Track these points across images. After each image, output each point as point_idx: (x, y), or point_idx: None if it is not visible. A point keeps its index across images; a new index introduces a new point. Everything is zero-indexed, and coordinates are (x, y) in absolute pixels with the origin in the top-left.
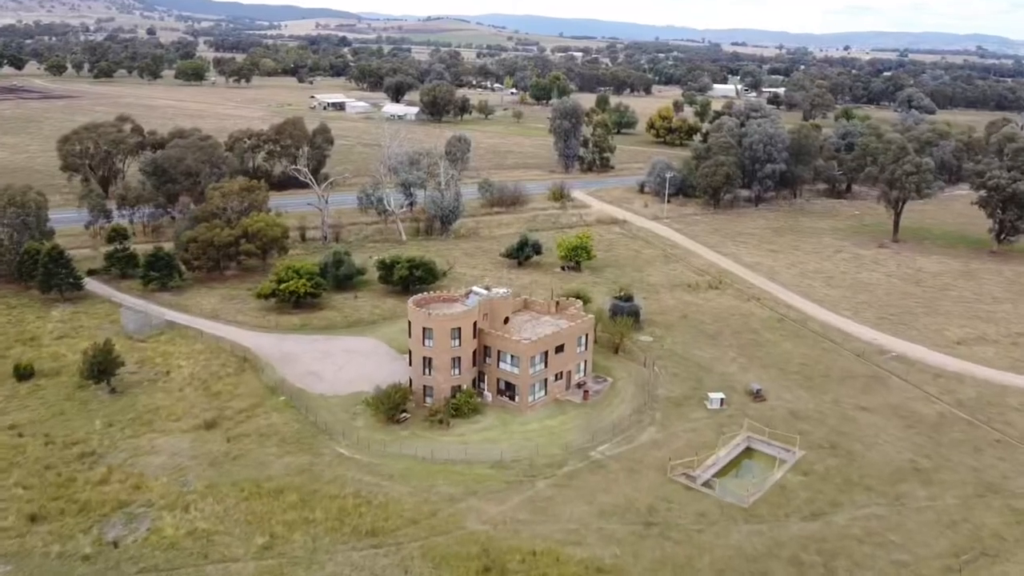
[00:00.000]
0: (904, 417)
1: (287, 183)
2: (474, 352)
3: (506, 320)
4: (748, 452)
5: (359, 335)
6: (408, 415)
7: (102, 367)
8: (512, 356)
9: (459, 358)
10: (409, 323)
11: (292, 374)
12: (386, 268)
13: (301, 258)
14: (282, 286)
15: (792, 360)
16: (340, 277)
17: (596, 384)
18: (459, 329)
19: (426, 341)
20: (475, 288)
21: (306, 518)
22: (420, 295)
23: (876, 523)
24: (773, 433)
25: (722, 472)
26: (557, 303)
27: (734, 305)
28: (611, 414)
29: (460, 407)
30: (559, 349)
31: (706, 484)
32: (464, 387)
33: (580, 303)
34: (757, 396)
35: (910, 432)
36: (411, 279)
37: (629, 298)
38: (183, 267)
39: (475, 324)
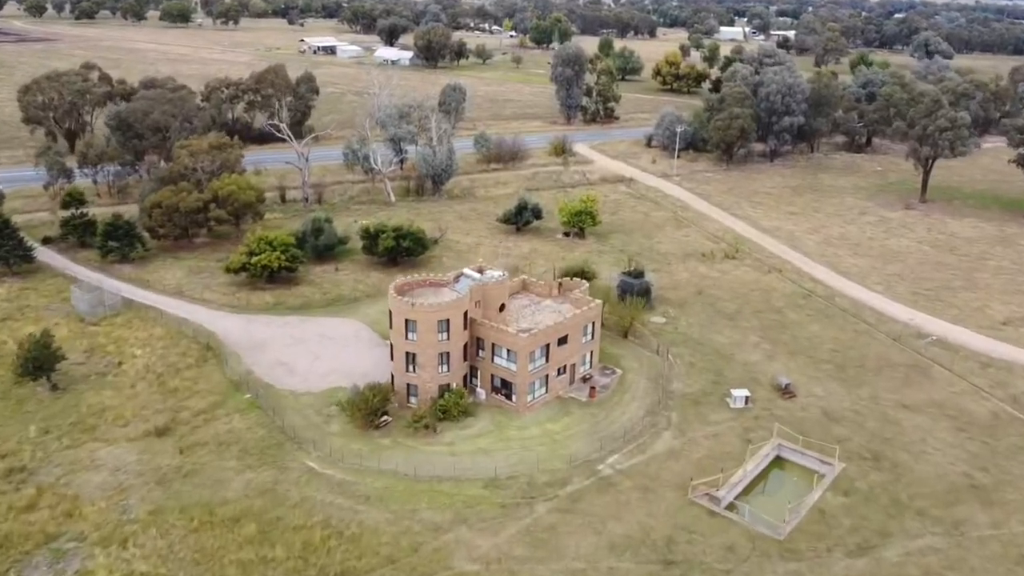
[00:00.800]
0: (953, 417)
1: (268, 136)
2: (465, 345)
3: (502, 307)
4: (778, 461)
5: (338, 316)
6: (389, 419)
7: (38, 363)
8: (508, 351)
9: (447, 353)
10: (390, 313)
11: (260, 365)
12: (370, 237)
13: (280, 222)
14: (253, 260)
15: (822, 345)
16: (320, 247)
17: (603, 377)
18: (447, 321)
19: (409, 334)
20: (466, 271)
21: (264, 557)
22: (402, 280)
23: (934, 559)
24: (807, 441)
25: (749, 487)
26: (559, 284)
27: (754, 278)
28: (621, 416)
29: (449, 409)
30: (562, 341)
31: (732, 506)
32: (454, 385)
33: (585, 285)
34: (785, 392)
35: (961, 437)
36: (398, 250)
37: (639, 274)
38: (147, 235)
39: (466, 314)
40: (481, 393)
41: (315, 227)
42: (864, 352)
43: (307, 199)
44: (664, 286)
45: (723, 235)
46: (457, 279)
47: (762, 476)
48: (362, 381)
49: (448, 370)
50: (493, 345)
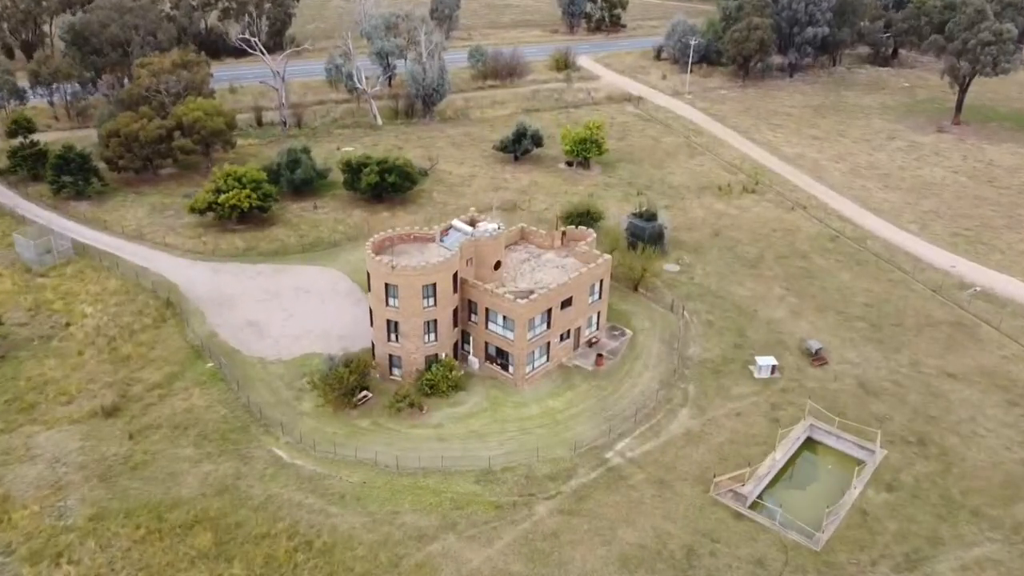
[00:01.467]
0: (1004, 388)
1: (246, 49)
2: (455, 310)
3: (497, 265)
4: (809, 444)
5: (316, 263)
6: (369, 395)
7: None
8: (505, 317)
9: (434, 321)
10: (368, 275)
11: (226, 326)
12: (352, 171)
13: (256, 149)
14: (221, 199)
15: (853, 299)
16: (296, 182)
17: (611, 340)
18: (433, 285)
19: (390, 300)
20: (456, 223)
21: None
22: (381, 235)
23: (993, 574)
24: (844, 423)
25: (778, 477)
26: (563, 234)
27: (776, 217)
28: (631, 388)
29: (437, 384)
30: (566, 304)
31: (758, 504)
32: (443, 356)
33: (592, 236)
34: (816, 358)
35: (1015, 413)
36: (382, 187)
37: (652, 216)
38: (105, 167)
39: (456, 275)
40: (474, 362)
41: (290, 159)
42: (901, 307)
43: (285, 122)
44: (678, 226)
45: (741, 164)
46: (446, 232)
47: (791, 462)
48: (340, 344)
49: (436, 339)
50: (487, 310)
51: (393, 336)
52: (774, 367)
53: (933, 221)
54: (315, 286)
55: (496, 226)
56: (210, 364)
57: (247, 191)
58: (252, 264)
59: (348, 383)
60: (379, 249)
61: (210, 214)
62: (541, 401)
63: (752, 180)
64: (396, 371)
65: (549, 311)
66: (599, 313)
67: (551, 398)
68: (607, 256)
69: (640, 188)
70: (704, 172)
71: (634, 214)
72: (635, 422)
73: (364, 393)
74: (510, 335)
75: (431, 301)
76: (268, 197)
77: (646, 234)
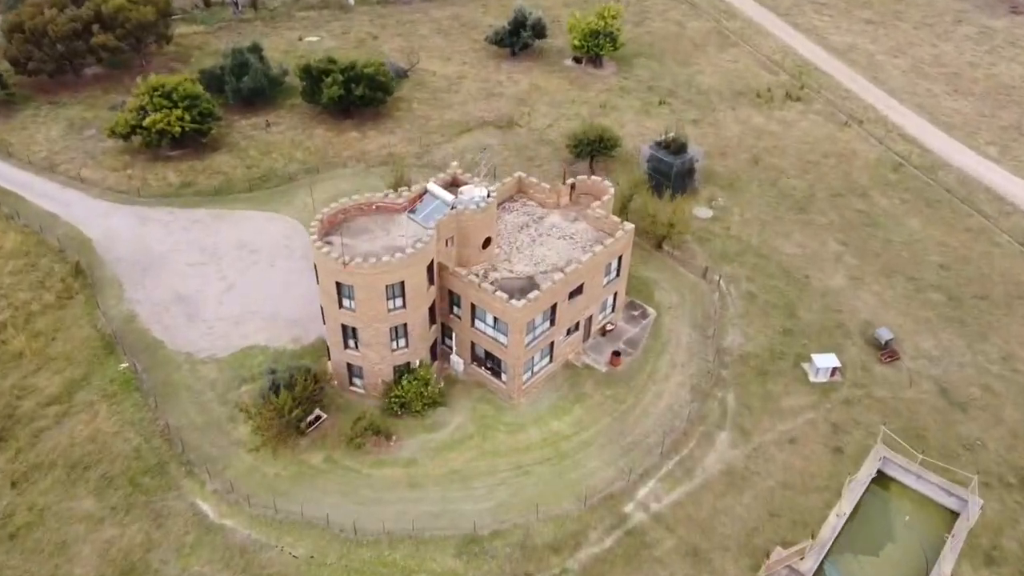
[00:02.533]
0: None
1: None
2: (432, 306)
3: (487, 243)
4: (880, 478)
5: (266, 206)
6: (323, 416)
7: None
8: (496, 318)
9: (404, 325)
10: (315, 266)
11: (148, 303)
12: (312, 79)
13: (201, 41)
14: (146, 121)
15: (926, 257)
16: (244, 92)
17: (630, 325)
18: (402, 284)
19: (344, 301)
20: (432, 186)
21: None
22: (334, 207)
23: None
24: (927, 460)
25: (844, 531)
26: (572, 187)
27: (827, 135)
28: (656, 400)
29: (409, 403)
30: (575, 293)
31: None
32: (417, 363)
33: (610, 192)
34: (886, 352)
35: None
36: (349, 100)
37: (680, 147)
38: (11, 69)
39: (431, 265)
40: (458, 363)
41: (236, 63)
42: (984, 269)
43: (237, 4)
44: (710, 150)
45: (782, 60)
46: (418, 200)
47: (859, 506)
48: (290, 334)
49: (407, 346)
50: (474, 305)
51: (352, 343)
52: (835, 369)
53: (1015, 141)
54: (263, 241)
55: (485, 192)
56: (124, 365)
57: (179, 111)
58: (187, 209)
59: (290, 417)
60: (330, 226)
61: (135, 139)
62: (542, 422)
63: (797, 82)
64: (358, 381)
65: (555, 305)
66: (616, 294)
67: (554, 416)
68: (629, 226)
69: (663, 96)
70: (739, 71)
71: (657, 144)
72: (661, 454)
73: (316, 413)
74: (503, 339)
75: (399, 302)
76: (207, 117)
77: (673, 172)
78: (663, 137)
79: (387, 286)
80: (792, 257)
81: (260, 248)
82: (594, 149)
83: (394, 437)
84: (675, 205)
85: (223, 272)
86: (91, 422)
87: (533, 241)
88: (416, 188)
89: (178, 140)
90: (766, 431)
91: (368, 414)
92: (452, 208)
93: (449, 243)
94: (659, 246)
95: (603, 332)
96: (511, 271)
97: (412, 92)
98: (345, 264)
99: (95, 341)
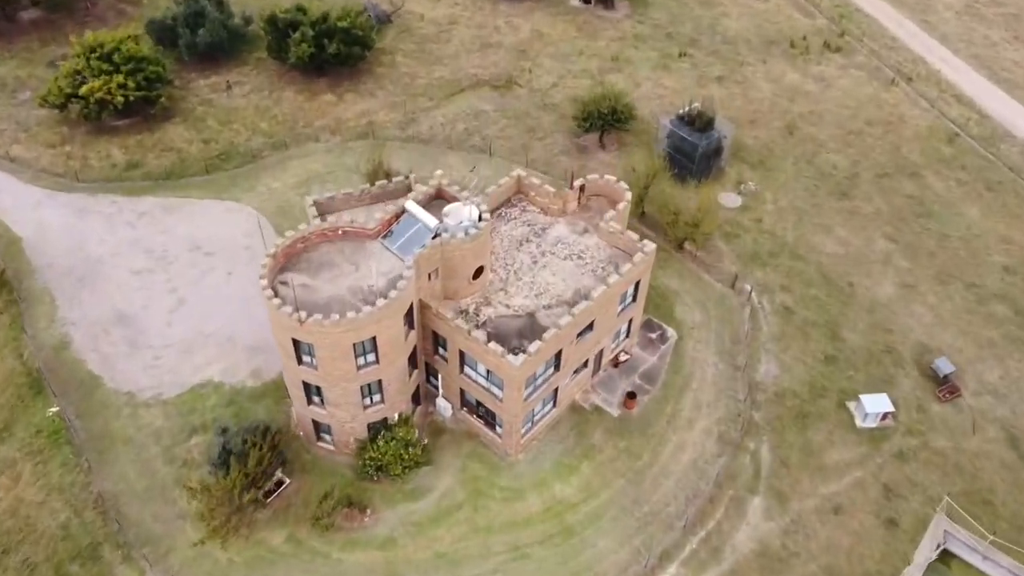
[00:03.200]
0: None
1: None
2: (412, 352)
3: (478, 272)
4: (944, 558)
5: (225, 194)
6: (286, 482)
7: None
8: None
9: (379, 382)
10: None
11: (85, 323)
12: (278, 33)
13: None
14: (83, 90)
15: (987, 258)
16: (200, 47)
17: (647, 352)
18: (373, 339)
19: (304, 357)
20: (411, 205)
21: None
22: (291, 237)
23: None
24: (997, 541)
25: None
26: (581, 189)
27: (870, 96)
28: (677, 453)
29: (387, 465)
30: (585, 330)
31: None
32: (395, 417)
33: (626, 199)
34: (945, 388)
35: None
36: (321, 59)
37: (706, 123)
38: None
39: (411, 308)
40: (445, 408)
41: (190, 12)
42: None
43: None
44: (738, 117)
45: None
46: (393, 223)
47: None
48: (251, 364)
49: (383, 401)
50: (462, 352)
51: (316, 399)
52: (887, 414)
53: None
54: (220, 241)
55: (476, 214)
56: (53, 410)
57: (121, 76)
58: (133, 197)
59: (242, 502)
60: (285, 261)
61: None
62: (544, 485)
63: (836, 28)
64: (327, 437)
65: (560, 351)
66: (632, 320)
67: (558, 478)
68: (650, 246)
69: (683, 46)
70: (769, 14)
71: (680, 118)
72: (684, 528)
73: (278, 478)
74: (498, 392)
75: (371, 357)
76: (155, 83)
77: (698, 154)
78: (687, 109)
79: (355, 344)
80: (834, 258)
81: (216, 250)
82: (605, 122)
83: (369, 511)
84: (702, 198)
85: (173, 282)
86: (11, 488)
87: (535, 262)
88: (389, 210)
89: (124, 108)
90: (806, 495)
91: (338, 486)
92: (435, 236)
93: (433, 276)
94: (680, 246)
95: (616, 363)
96: (508, 305)
97: (396, 42)
98: (301, 322)
99: (20, 377)
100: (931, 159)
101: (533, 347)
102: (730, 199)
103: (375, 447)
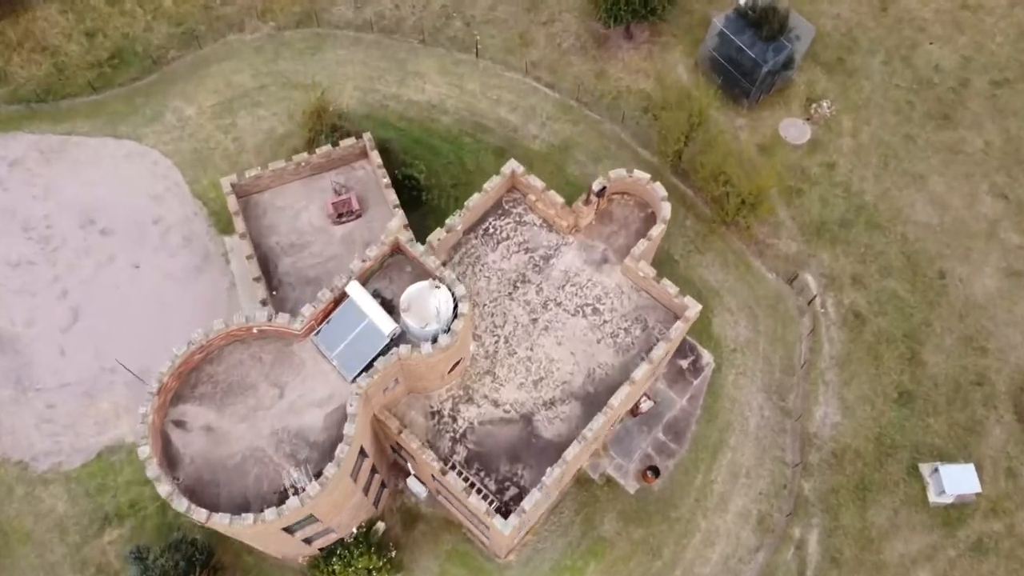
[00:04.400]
0: None
1: None
2: (372, 468)
3: (455, 365)
4: None
5: (119, 126)
6: None
7: None
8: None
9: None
10: None
11: None
12: None
13: None
14: None
15: None
16: None
17: (674, 391)
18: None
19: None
20: (353, 290)
21: None
22: (186, 351)
23: None
24: None
25: None
26: (600, 193)
27: None
28: (704, 551)
29: None
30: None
31: None
32: (354, 532)
33: (665, 209)
34: None
35: None
36: None
37: (779, 25)
38: None
39: (360, 448)
40: (420, 490)
41: None
42: None
43: None
44: (813, 17)
45: None
46: (329, 312)
47: None
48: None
49: (333, 530)
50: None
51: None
52: (973, 493)
53: None
54: (121, 210)
55: (452, 304)
56: None
57: None
58: (1, 136)
59: None
60: (178, 390)
61: None
62: None
63: None
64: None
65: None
66: (658, 367)
67: None
68: (695, 307)
69: None
70: None
71: (740, 15)
72: None
73: None
74: (484, 533)
75: (310, 523)
76: None
77: (761, 73)
78: (750, 1)
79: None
80: (923, 230)
81: (116, 227)
82: (635, 9)
83: None
84: (767, 168)
85: (62, 282)
86: None
87: (533, 321)
88: (324, 295)
89: None
90: None
91: None
92: (393, 345)
93: (392, 385)
94: (725, 222)
95: (634, 413)
96: (496, 402)
97: None
98: (203, 524)
99: None
100: None
101: (528, 502)
102: (795, 129)
103: (329, 570)
